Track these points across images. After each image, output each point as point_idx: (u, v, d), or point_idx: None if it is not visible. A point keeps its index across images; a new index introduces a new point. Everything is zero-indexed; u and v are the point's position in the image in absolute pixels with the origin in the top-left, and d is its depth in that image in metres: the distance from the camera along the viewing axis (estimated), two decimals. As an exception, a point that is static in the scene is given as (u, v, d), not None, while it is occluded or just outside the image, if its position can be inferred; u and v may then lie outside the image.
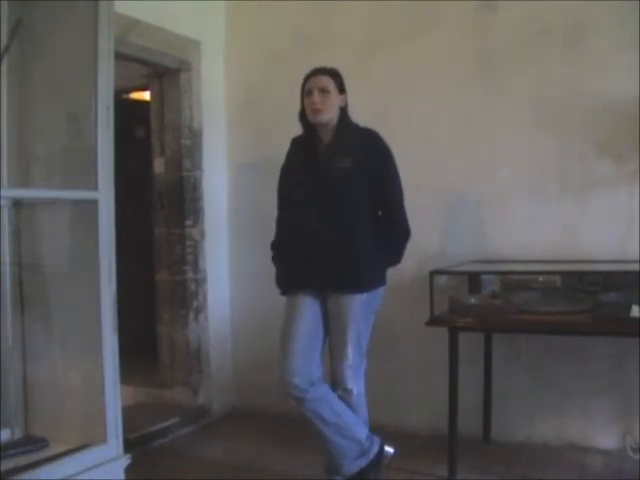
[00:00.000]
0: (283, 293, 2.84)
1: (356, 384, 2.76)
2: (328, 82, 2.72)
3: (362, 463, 2.77)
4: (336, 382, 2.77)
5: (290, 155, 2.89)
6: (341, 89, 2.77)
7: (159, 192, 3.99)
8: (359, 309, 2.71)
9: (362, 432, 2.79)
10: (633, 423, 3.20)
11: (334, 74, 2.76)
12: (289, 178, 2.85)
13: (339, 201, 2.69)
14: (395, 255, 2.81)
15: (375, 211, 2.78)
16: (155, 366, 4.11)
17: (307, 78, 2.76)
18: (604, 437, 3.27)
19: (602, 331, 2.81)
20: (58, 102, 2.19)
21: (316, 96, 2.69)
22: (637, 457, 3.10)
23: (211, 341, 4.02)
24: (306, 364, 2.71)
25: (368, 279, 2.74)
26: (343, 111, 2.78)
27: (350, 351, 2.72)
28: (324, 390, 2.73)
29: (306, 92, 2.73)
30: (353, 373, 2.74)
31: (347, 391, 2.75)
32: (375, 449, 2.81)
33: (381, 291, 2.80)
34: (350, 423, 2.74)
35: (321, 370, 2.75)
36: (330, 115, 2.72)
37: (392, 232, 2.77)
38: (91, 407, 2.10)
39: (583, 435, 3.32)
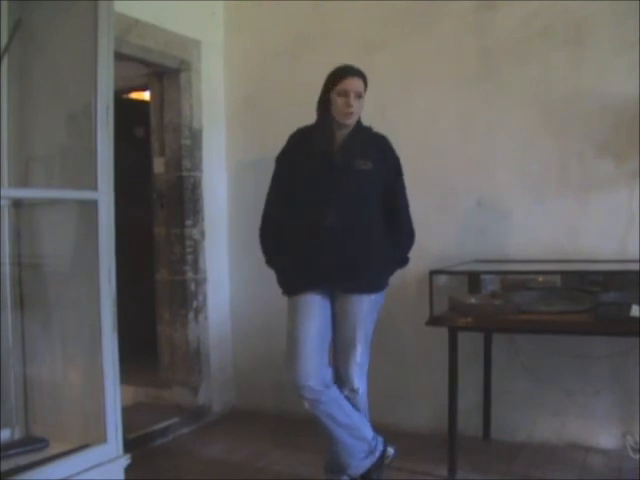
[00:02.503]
0: (288, 293, 2.79)
1: (361, 382, 2.77)
2: (362, 87, 2.70)
3: (369, 463, 2.79)
4: (343, 381, 2.76)
5: (295, 146, 2.81)
6: (365, 93, 2.75)
7: (159, 192, 3.99)
8: (368, 309, 2.72)
9: (369, 432, 2.80)
10: (633, 423, 3.20)
11: (365, 78, 2.72)
12: (297, 175, 2.76)
13: (358, 203, 2.70)
14: (403, 257, 2.83)
15: (385, 214, 2.79)
16: (155, 366, 4.11)
17: (342, 76, 2.68)
18: (604, 437, 3.28)
19: (602, 331, 2.81)
20: (58, 102, 2.18)
21: (352, 100, 2.65)
22: (637, 457, 3.10)
23: (211, 341, 4.02)
24: (319, 366, 2.70)
25: (379, 280, 2.77)
26: None
27: (359, 350, 2.73)
28: (335, 391, 2.73)
29: (340, 92, 2.66)
30: (359, 371, 2.75)
31: (354, 390, 2.75)
32: (379, 448, 2.82)
33: (385, 292, 2.82)
34: (359, 423, 2.76)
35: (331, 373, 2.75)
36: (357, 118, 2.73)
37: (399, 235, 2.80)
38: (91, 407, 2.10)
39: (583, 435, 3.32)
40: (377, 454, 2.80)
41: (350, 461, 2.75)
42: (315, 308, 2.73)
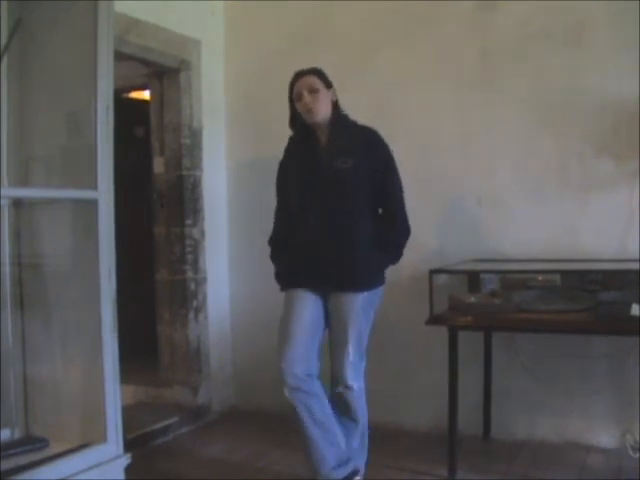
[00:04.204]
0: (283, 289, 2.85)
1: (356, 381, 2.76)
2: (314, 81, 2.73)
3: (339, 475, 2.72)
4: (336, 379, 2.77)
5: (288, 152, 2.90)
6: (328, 85, 2.77)
7: (159, 191, 3.99)
8: (359, 308, 2.72)
9: (342, 441, 2.75)
10: (633, 422, 3.20)
11: (317, 72, 2.77)
12: (288, 177, 2.85)
13: (339, 201, 2.70)
14: (395, 253, 2.81)
15: (376, 209, 2.79)
16: (155, 365, 4.11)
17: (292, 83, 2.78)
18: (604, 436, 3.28)
19: (602, 330, 2.81)
20: (58, 102, 2.19)
21: (306, 97, 2.70)
22: (637, 456, 3.10)
23: (211, 340, 4.02)
24: (305, 355, 2.72)
25: (369, 278, 2.75)
26: (335, 105, 2.79)
27: (350, 349, 2.72)
28: (319, 387, 2.73)
29: (295, 96, 2.75)
30: (353, 370, 2.75)
31: (348, 387, 2.75)
32: (351, 465, 2.76)
33: (381, 290, 2.81)
34: (334, 428, 2.73)
35: (318, 367, 2.75)
36: (324, 112, 2.73)
37: (392, 230, 2.77)
38: (91, 407, 2.10)
39: (583, 434, 3.32)
40: (348, 469, 2.74)
41: (320, 468, 2.71)
42: (306, 303, 2.76)
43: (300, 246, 2.75)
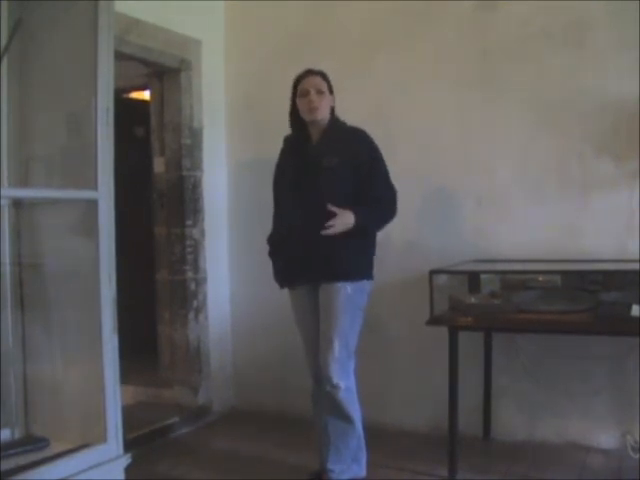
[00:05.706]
0: (282, 287, 2.92)
1: (344, 379, 2.74)
2: (322, 83, 2.83)
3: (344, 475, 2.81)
4: (323, 378, 2.76)
5: (283, 153, 2.98)
6: (330, 90, 2.87)
7: (159, 191, 3.99)
8: (344, 301, 2.73)
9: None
10: (633, 422, 3.20)
11: (325, 76, 2.87)
12: (282, 177, 2.94)
13: (323, 200, 2.73)
14: (381, 208, 2.82)
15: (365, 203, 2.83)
16: (155, 366, 4.12)
17: (300, 79, 2.86)
18: (604, 436, 3.27)
19: (602, 330, 2.81)
20: (58, 102, 2.19)
21: (314, 95, 2.79)
22: (637, 456, 3.10)
23: (211, 340, 4.02)
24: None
25: (351, 269, 2.76)
26: (332, 111, 2.88)
27: (336, 344, 2.73)
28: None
29: (301, 92, 2.83)
30: (339, 368, 2.73)
31: (334, 386, 2.73)
32: (353, 471, 2.83)
33: (367, 287, 2.82)
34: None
35: None
36: (324, 114, 2.83)
37: (382, 198, 2.82)
38: (91, 407, 2.10)
39: (583, 434, 3.32)
40: (351, 473, 2.80)
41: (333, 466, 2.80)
42: (305, 304, 2.85)
43: (291, 242, 2.81)
